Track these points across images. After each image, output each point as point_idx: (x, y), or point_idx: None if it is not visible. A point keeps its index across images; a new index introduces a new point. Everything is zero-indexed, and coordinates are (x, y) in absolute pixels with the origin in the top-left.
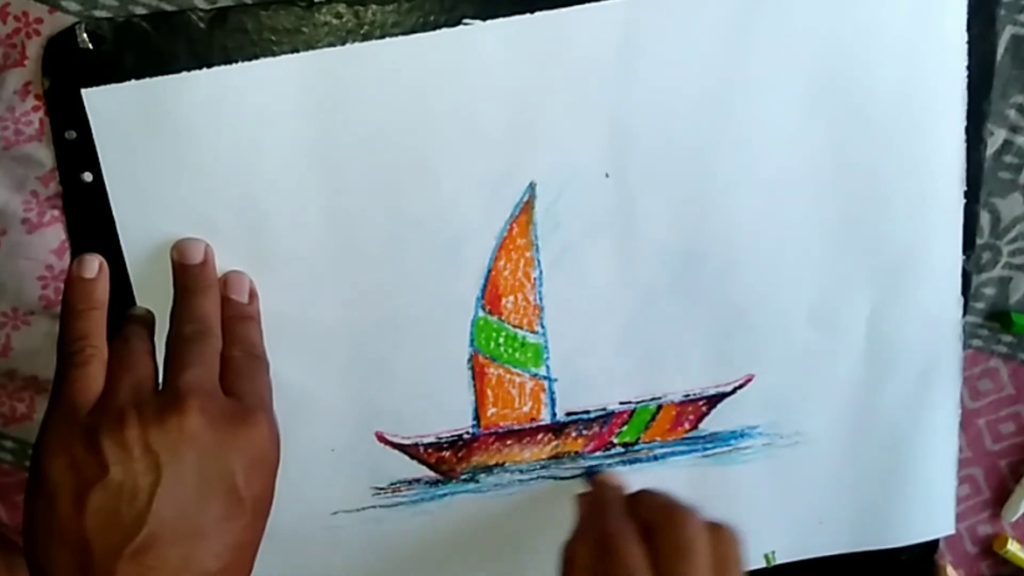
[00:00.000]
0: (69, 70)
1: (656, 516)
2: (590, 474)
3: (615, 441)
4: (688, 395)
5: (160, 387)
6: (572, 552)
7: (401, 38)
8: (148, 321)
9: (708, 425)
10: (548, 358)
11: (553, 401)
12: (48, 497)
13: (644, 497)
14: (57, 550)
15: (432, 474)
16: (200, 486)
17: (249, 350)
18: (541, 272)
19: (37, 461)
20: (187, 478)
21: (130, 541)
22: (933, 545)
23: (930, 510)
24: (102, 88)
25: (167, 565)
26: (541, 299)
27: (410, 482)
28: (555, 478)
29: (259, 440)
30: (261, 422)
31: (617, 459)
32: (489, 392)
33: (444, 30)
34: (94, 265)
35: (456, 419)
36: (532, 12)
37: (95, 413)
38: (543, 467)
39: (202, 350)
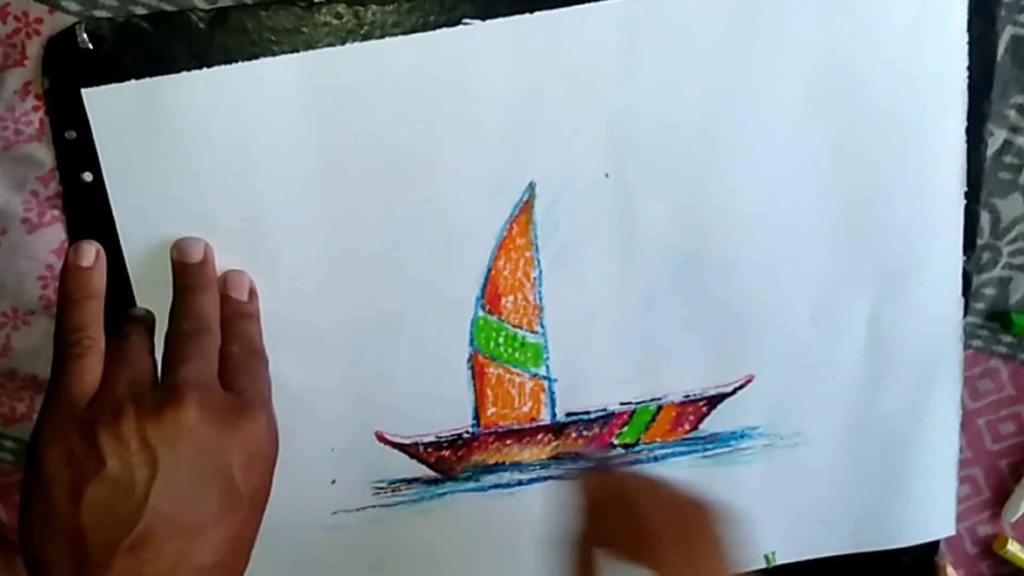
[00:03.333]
0: (69, 70)
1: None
2: (591, 459)
3: (615, 442)
4: (688, 395)
5: (159, 383)
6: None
7: (401, 38)
8: (148, 321)
9: (708, 426)
10: (548, 358)
11: (553, 401)
12: (44, 490)
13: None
14: (53, 543)
15: (432, 473)
16: (197, 480)
17: (248, 346)
18: (541, 272)
19: (33, 453)
20: (184, 472)
21: (126, 535)
22: (933, 546)
23: (930, 511)
24: (102, 88)
25: (163, 559)
26: (541, 299)
27: (410, 481)
28: (555, 478)
29: (257, 434)
30: (259, 416)
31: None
32: (489, 392)
33: (444, 30)
34: (91, 253)
35: (456, 418)
36: (532, 12)
37: (92, 406)
38: (543, 467)
39: (201, 345)
